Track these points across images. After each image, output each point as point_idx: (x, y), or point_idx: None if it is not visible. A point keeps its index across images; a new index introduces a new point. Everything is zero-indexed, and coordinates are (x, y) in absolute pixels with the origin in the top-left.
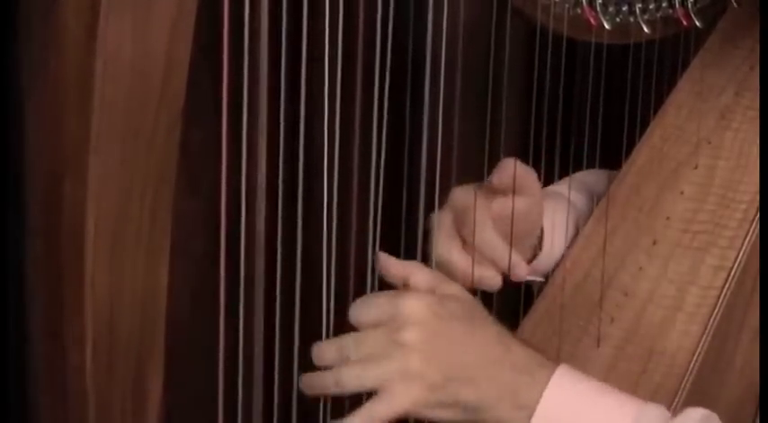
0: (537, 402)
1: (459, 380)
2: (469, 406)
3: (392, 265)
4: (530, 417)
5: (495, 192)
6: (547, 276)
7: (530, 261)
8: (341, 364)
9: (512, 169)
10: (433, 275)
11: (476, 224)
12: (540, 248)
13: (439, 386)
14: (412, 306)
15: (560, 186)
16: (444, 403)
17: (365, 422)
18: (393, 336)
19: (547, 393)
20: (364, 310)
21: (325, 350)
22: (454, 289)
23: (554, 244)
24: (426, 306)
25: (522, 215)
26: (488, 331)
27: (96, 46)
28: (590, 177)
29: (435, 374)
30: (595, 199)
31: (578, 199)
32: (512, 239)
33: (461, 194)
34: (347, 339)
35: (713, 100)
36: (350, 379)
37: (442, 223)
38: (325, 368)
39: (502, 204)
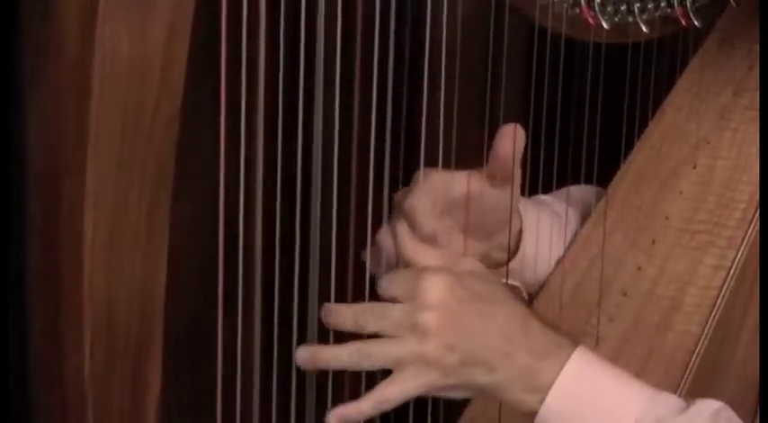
0: (551, 386)
1: (474, 364)
2: (482, 388)
3: (407, 247)
4: (542, 400)
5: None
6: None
7: (504, 263)
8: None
9: (507, 161)
10: (447, 253)
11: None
12: (517, 249)
13: (454, 371)
14: (432, 286)
15: (548, 196)
16: (458, 386)
17: (377, 404)
18: (411, 317)
19: (561, 377)
20: (387, 283)
21: (341, 314)
22: (470, 264)
23: (537, 252)
24: (447, 287)
25: (496, 206)
26: (507, 312)
27: (94, 45)
28: (583, 193)
29: (451, 359)
30: (585, 212)
31: (567, 210)
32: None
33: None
34: (366, 310)
35: (712, 100)
36: (365, 357)
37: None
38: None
39: (474, 189)
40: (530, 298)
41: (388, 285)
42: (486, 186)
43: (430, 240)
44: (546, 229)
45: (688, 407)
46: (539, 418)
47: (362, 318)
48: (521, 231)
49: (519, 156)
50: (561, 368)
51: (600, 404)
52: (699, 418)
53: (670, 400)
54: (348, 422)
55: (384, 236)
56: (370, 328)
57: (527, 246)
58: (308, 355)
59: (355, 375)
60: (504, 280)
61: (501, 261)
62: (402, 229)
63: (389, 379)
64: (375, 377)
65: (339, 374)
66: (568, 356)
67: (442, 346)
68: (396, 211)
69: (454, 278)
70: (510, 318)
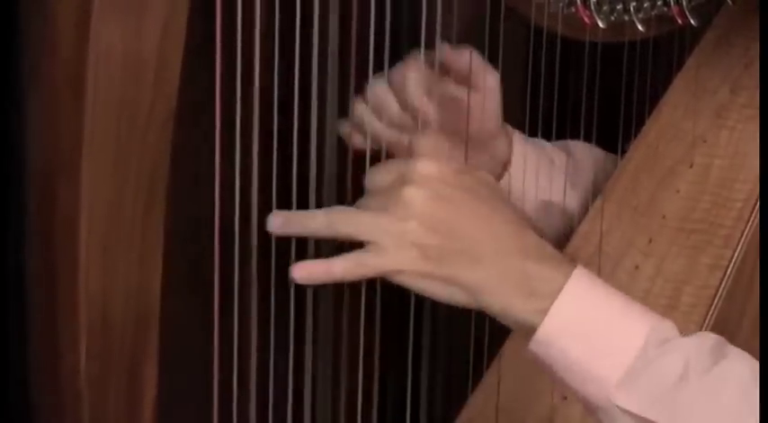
0: (551, 295)
1: (458, 255)
2: (470, 286)
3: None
4: (542, 310)
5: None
6: None
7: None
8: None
9: (467, 57)
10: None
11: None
12: (504, 171)
13: (434, 255)
14: (425, 166)
15: (548, 144)
16: (439, 277)
17: (348, 268)
18: (397, 190)
19: (567, 288)
20: (378, 172)
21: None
22: (481, 173)
23: (524, 185)
24: (439, 169)
25: (480, 110)
26: (503, 212)
27: (88, 46)
28: (590, 151)
29: (431, 241)
30: (580, 170)
31: (559, 157)
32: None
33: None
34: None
35: (708, 98)
36: (342, 222)
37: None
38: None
39: (449, 90)
40: None
41: (376, 173)
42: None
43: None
44: (533, 165)
45: (689, 335)
46: (540, 331)
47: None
48: (509, 150)
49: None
50: (566, 277)
51: (608, 321)
52: (703, 341)
53: (672, 326)
54: (312, 279)
55: (365, 111)
56: (358, 204)
57: (513, 175)
58: (281, 221)
59: (351, 371)
60: None
61: (495, 174)
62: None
63: (366, 248)
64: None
65: (337, 374)
66: (571, 268)
67: (425, 225)
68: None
69: (451, 167)
70: (503, 219)
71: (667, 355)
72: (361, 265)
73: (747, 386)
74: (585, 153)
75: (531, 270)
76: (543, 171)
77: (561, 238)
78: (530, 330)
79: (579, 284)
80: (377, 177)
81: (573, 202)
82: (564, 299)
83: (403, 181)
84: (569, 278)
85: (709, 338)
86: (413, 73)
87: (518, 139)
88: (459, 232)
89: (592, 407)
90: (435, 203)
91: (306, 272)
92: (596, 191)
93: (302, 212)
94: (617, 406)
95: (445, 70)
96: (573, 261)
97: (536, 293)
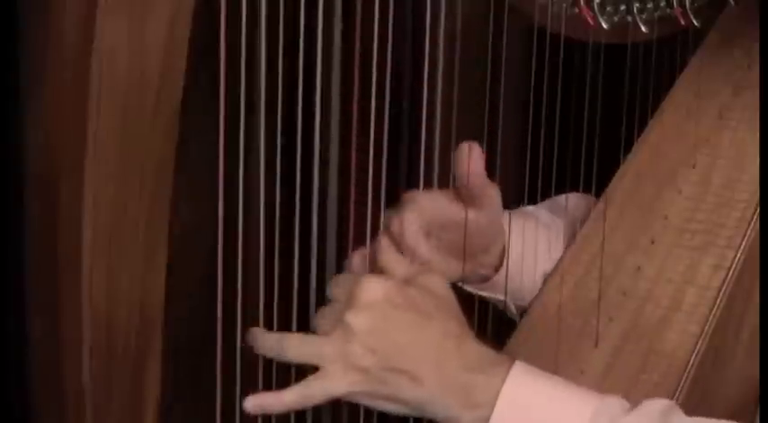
0: (492, 402)
1: (400, 373)
2: (413, 403)
3: (384, 255)
4: (485, 418)
5: (455, 199)
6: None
7: (488, 279)
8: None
9: (479, 179)
10: (414, 266)
11: (406, 231)
12: (501, 265)
13: (376, 377)
14: (368, 288)
15: (534, 207)
16: (383, 395)
17: (300, 399)
18: (341, 315)
19: (503, 392)
20: (332, 285)
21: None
22: (432, 281)
23: (523, 264)
24: (383, 290)
25: (479, 229)
26: (443, 328)
27: (93, 45)
28: (571, 201)
29: (373, 363)
30: (577, 223)
31: (554, 221)
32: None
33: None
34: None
35: (711, 99)
36: (289, 347)
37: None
38: None
39: (457, 213)
40: (519, 310)
41: (332, 286)
42: (469, 210)
43: (415, 260)
44: (531, 241)
45: (636, 407)
46: None
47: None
48: (504, 248)
49: (482, 173)
50: (502, 382)
51: (551, 411)
52: (649, 416)
53: (619, 401)
54: (265, 411)
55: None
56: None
57: (512, 257)
58: (252, 338)
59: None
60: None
61: (486, 277)
62: (386, 242)
63: (314, 375)
64: None
65: None
66: (508, 370)
67: (366, 347)
68: (383, 231)
69: (395, 285)
70: (444, 334)
71: None
72: (309, 394)
73: None
74: (581, 203)
75: (470, 381)
76: (539, 239)
77: None
78: None
79: (515, 386)
80: (333, 290)
81: None
82: (501, 404)
83: (350, 304)
84: (505, 382)
85: (656, 406)
86: (411, 220)
87: (511, 218)
88: (398, 353)
89: None
90: (375, 327)
91: (257, 402)
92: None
93: (261, 334)
94: None
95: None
96: (510, 360)
97: (477, 403)
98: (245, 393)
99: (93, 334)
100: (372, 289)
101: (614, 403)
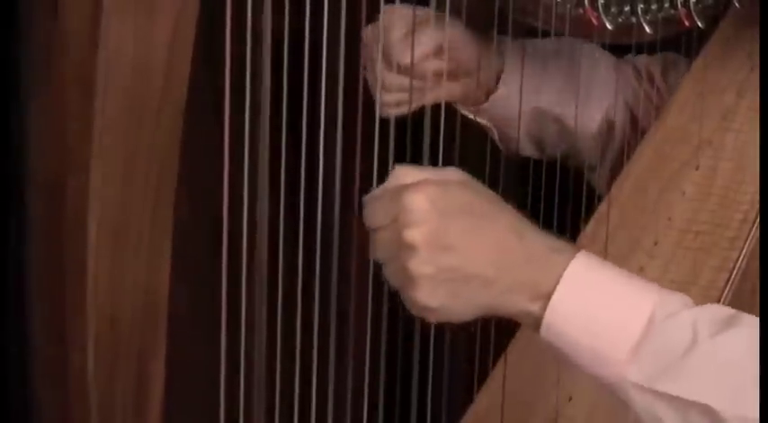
0: (550, 290)
1: (468, 279)
2: (484, 304)
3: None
4: (546, 305)
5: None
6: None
7: (480, 102)
8: None
9: None
10: (426, 170)
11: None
12: (495, 90)
13: (448, 288)
14: (414, 201)
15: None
16: (459, 304)
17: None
18: (397, 237)
19: (564, 278)
20: (371, 213)
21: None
22: (455, 174)
23: (510, 93)
24: (429, 201)
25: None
26: (500, 226)
27: (99, 45)
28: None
29: (442, 275)
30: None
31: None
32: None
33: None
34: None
35: (715, 101)
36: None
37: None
38: None
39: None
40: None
41: (371, 214)
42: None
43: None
44: (530, 71)
45: (698, 305)
46: (545, 322)
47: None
48: (501, 72)
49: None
50: (564, 270)
51: (610, 303)
52: (716, 314)
53: (681, 298)
54: None
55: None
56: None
57: (504, 84)
58: None
59: (357, 370)
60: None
61: (478, 100)
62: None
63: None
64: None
65: (343, 374)
66: (570, 259)
67: (431, 260)
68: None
69: (438, 190)
70: (503, 231)
71: (673, 327)
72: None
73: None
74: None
75: (535, 273)
76: (551, 64)
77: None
78: (538, 325)
79: (577, 273)
80: (373, 220)
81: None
82: (562, 290)
83: (400, 224)
84: (566, 269)
85: (723, 310)
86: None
87: (514, 48)
88: (465, 260)
89: (607, 386)
90: (434, 237)
91: None
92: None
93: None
94: (629, 382)
95: None
96: (574, 248)
97: (543, 293)
98: (248, 391)
99: (98, 332)
100: (419, 201)
101: (679, 299)
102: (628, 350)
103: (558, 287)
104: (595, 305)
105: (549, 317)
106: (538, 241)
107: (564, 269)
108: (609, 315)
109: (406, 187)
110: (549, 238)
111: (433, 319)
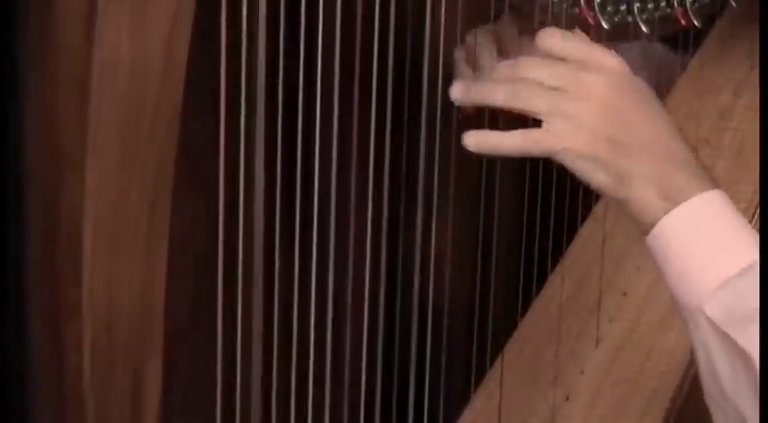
0: (680, 202)
1: (624, 146)
2: (621, 176)
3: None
4: (667, 210)
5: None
6: None
7: None
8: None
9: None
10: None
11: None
12: None
13: (602, 144)
14: (612, 59)
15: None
16: (599, 162)
17: (521, 142)
18: (581, 74)
19: (693, 200)
20: (559, 38)
21: (498, 67)
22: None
23: None
24: (623, 66)
25: None
26: (667, 118)
27: (94, 45)
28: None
29: (604, 130)
30: None
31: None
32: None
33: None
34: (526, 62)
35: (712, 100)
36: (524, 97)
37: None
38: None
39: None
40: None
41: (558, 38)
42: None
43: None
44: None
45: None
46: (658, 226)
47: (523, 68)
48: None
49: None
50: (699, 191)
51: (723, 238)
52: None
53: None
54: (481, 149)
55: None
56: (532, 75)
57: None
58: (462, 89)
59: (354, 371)
60: None
61: None
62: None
63: (539, 129)
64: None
65: (340, 375)
66: (707, 187)
67: (602, 111)
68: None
69: (624, 64)
70: (665, 122)
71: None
72: (531, 142)
73: None
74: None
75: (676, 176)
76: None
77: None
78: (649, 225)
79: (707, 202)
80: (564, 47)
81: None
82: (688, 207)
83: (585, 65)
84: (701, 194)
85: None
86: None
87: None
88: (629, 125)
89: (680, 306)
90: (615, 94)
91: (477, 139)
92: None
93: (485, 83)
94: (704, 312)
95: None
96: (713, 182)
97: (669, 196)
98: (245, 394)
99: (94, 334)
100: (615, 61)
101: None
102: (716, 284)
103: (685, 204)
104: (708, 234)
105: (665, 221)
106: (689, 154)
107: (700, 191)
108: (715, 246)
109: (585, 64)
110: (698, 162)
111: (568, 163)
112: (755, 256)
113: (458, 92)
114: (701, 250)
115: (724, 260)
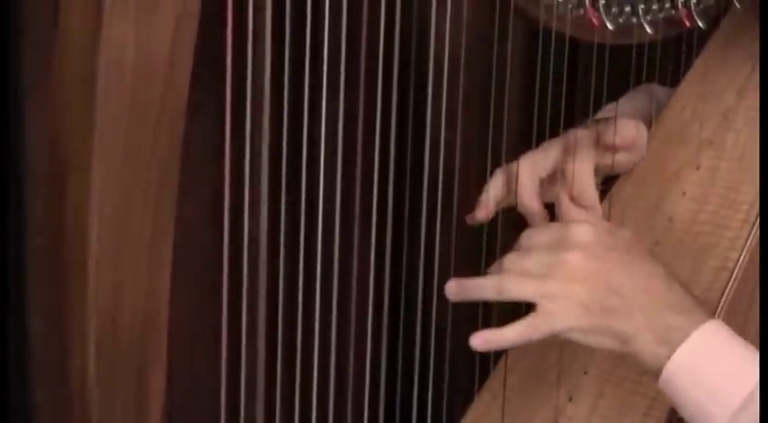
0: (679, 344)
1: (616, 309)
2: (621, 336)
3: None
4: (669, 356)
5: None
6: None
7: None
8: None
9: (633, 133)
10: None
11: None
12: None
13: (596, 312)
14: (581, 230)
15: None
16: (597, 330)
17: (522, 335)
18: (558, 256)
19: (690, 339)
20: (535, 234)
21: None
22: (623, 230)
23: None
24: (595, 232)
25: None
26: (652, 268)
27: (100, 46)
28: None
29: (595, 300)
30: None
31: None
32: None
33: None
34: (511, 255)
35: (715, 101)
36: (512, 286)
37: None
38: None
39: (605, 159)
40: None
41: (535, 235)
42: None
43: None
44: None
45: None
46: (665, 373)
47: (508, 261)
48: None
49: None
50: (697, 326)
51: (723, 370)
52: None
53: None
54: (489, 347)
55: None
56: (516, 267)
57: None
58: (455, 287)
59: (357, 373)
60: None
61: None
62: (563, 193)
63: (536, 313)
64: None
65: (344, 377)
66: (704, 318)
67: (588, 284)
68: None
69: (605, 227)
70: (654, 274)
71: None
72: (534, 330)
73: None
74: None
75: (672, 321)
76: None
77: None
78: (657, 372)
79: (703, 336)
80: (535, 237)
81: None
82: (685, 348)
83: (563, 245)
84: (696, 330)
85: None
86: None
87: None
88: (615, 288)
89: None
90: (594, 264)
91: (483, 340)
92: None
93: (474, 280)
94: None
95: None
96: (710, 314)
97: (668, 341)
98: (249, 392)
99: (98, 334)
100: (586, 230)
101: None
102: (728, 415)
103: (683, 345)
104: (709, 369)
105: (668, 367)
106: (681, 294)
107: (695, 328)
108: (718, 380)
109: (574, 220)
110: (691, 295)
111: (573, 337)
112: (755, 377)
113: (452, 291)
114: (706, 387)
115: (728, 392)
